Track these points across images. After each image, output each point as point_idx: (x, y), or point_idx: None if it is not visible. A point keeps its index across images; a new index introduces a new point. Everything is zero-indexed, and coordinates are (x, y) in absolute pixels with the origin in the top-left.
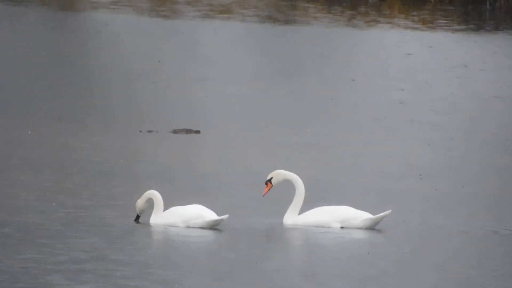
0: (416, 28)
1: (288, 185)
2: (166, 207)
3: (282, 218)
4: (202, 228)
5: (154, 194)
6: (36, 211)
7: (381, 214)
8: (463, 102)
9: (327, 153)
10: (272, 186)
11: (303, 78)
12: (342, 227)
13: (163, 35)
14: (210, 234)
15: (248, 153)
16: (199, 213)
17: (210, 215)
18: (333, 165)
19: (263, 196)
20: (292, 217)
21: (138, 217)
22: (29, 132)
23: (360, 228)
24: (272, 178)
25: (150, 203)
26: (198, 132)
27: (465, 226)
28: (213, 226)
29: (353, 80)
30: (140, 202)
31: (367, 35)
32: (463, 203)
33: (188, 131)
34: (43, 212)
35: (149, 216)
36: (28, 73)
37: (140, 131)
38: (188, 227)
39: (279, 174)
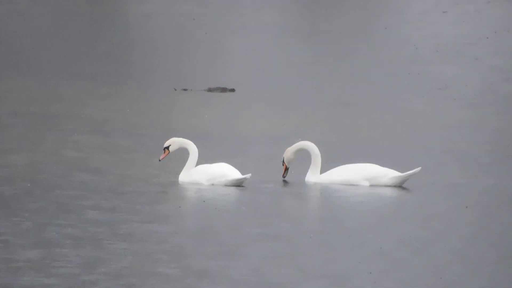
0: None
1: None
2: (198, 164)
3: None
4: (226, 186)
5: (191, 146)
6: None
7: (410, 171)
8: None
9: (361, 114)
10: (169, 152)
11: (346, 43)
12: (370, 185)
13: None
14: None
15: (281, 112)
16: (222, 171)
17: (233, 174)
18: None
19: (159, 161)
20: (314, 176)
21: (166, 155)
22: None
23: (388, 186)
24: (170, 145)
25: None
26: (233, 90)
27: (494, 186)
28: (236, 185)
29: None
30: (176, 143)
31: None
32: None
33: (223, 89)
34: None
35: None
36: (64, 32)
37: (175, 89)
38: (212, 185)
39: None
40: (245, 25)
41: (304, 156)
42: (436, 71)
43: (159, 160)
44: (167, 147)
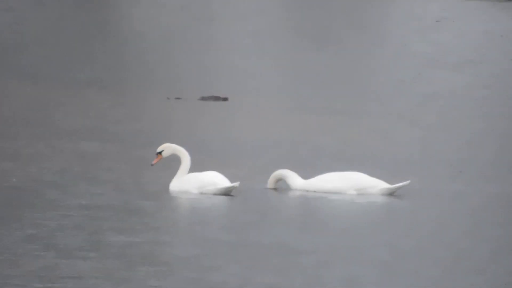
0: None
1: (293, 154)
2: (190, 172)
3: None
4: (215, 194)
5: (185, 155)
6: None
7: (399, 184)
8: None
9: (353, 120)
10: (162, 157)
11: (333, 47)
12: (358, 195)
13: (191, 2)
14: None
15: (274, 121)
16: (212, 180)
17: (222, 182)
18: (360, 134)
19: (152, 165)
20: (299, 182)
21: (159, 160)
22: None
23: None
24: (163, 150)
25: (172, 158)
26: (226, 99)
27: (486, 192)
28: (225, 193)
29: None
30: (170, 149)
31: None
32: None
33: (216, 98)
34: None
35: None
36: (62, 40)
37: (168, 98)
38: (202, 193)
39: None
40: (237, 34)
41: (289, 165)
42: (435, 78)
43: (151, 165)
44: (160, 152)
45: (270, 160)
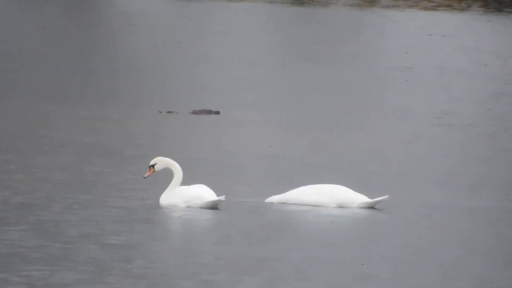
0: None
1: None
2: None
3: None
4: (202, 208)
5: (177, 169)
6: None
7: (378, 198)
8: None
9: (346, 134)
10: (154, 170)
11: (327, 62)
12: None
13: (182, 17)
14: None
15: (267, 134)
16: (198, 193)
17: (208, 196)
18: (352, 148)
19: (144, 178)
20: (276, 196)
21: (151, 173)
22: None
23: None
24: (155, 164)
25: (167, 171)
26: (218, 113)
27: (475, 209)
28: (212, 207)
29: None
30: (163, 163)
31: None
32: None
33: (208, 111)
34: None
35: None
36: (52, 54)
37: (160, 112)
38: (188, 207)
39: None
40: (229, 47)
41: (280, 178)
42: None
43: (144, 178)
44: (153, 165)
45: (261, 173)
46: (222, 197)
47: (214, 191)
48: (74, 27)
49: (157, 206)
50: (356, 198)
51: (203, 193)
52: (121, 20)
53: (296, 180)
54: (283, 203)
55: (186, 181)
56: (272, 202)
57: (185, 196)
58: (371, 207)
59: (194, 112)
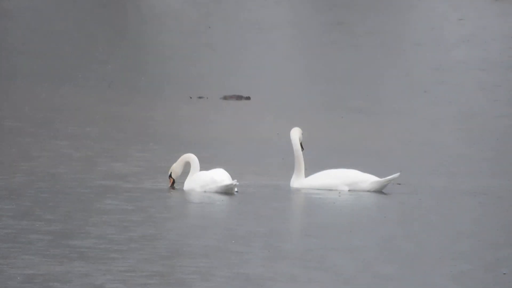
0: None
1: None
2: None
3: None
4: (217, 192)
5: (192, 158)
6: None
7: (389, 177)
8: None
9: (373, 122)
10: (174, 179)
11: (357, 46)
12: (349, 190)
13: (212, 1)
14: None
15: (297, 119)
16: (213, 178)
17: (222, 180)
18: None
19: (173, 188)
20: (298, 180)
21: (174, 182)
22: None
23: (368, 191)
24: (171, 173)
25: (187, 167)
26: (248, 98)
27: (475, 188)
28: (226, 191)
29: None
30: (177, 166)
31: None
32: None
33: (239, 97)
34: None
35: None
36: (81, 41)
37: (191, 97)
38: (205, 191)
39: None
40: (261, 33)
41: (281, 165)
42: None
43: (173, 188)
44: (170, 175)
45: (289, 158)
46: (235, 181)
47: (241, 176)
48: (102, 15)
49: (181, 191)
50: (366, 178)
51: (217, 177)
52: (151, 7)
53: (324, 165)
54: (300, 187)
55: (213, 166)
56: (291, 186)
57: (201, 180)
58: (384, 186)
59: (225, 98)
